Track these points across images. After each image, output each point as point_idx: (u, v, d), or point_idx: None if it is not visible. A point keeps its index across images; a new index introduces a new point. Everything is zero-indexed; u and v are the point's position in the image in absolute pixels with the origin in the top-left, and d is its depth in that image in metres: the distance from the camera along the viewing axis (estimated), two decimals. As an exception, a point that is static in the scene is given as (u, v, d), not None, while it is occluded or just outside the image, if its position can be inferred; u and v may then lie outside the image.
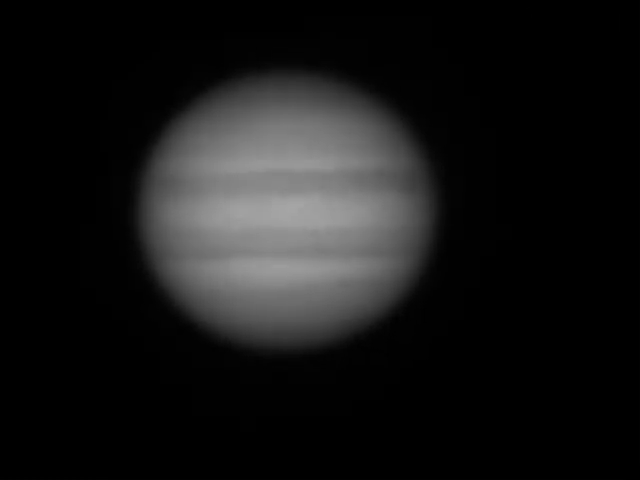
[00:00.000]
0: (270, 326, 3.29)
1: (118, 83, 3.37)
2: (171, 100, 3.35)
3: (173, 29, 3.37)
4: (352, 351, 3.36)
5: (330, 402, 3.37)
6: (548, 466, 3.38)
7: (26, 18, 3.38)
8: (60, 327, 3.38)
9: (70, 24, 3.38)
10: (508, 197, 3.38)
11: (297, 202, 3.22)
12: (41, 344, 3.39)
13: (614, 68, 3.37)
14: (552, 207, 3.38)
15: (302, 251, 3.22)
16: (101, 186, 3.37)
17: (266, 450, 3.36)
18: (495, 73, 3.37)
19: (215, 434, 3.38)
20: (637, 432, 3.37)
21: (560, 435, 3.39)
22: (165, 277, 3.34)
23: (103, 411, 3.38)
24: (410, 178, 3.31)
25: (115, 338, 3.37)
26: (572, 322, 3.38)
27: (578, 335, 3.39)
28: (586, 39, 3.37)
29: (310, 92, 3.31)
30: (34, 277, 3.38)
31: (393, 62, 3.36)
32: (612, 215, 3.39)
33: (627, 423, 3.38)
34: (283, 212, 3.22)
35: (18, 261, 3.38)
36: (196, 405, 3.38)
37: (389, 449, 3.37)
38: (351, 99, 3.33)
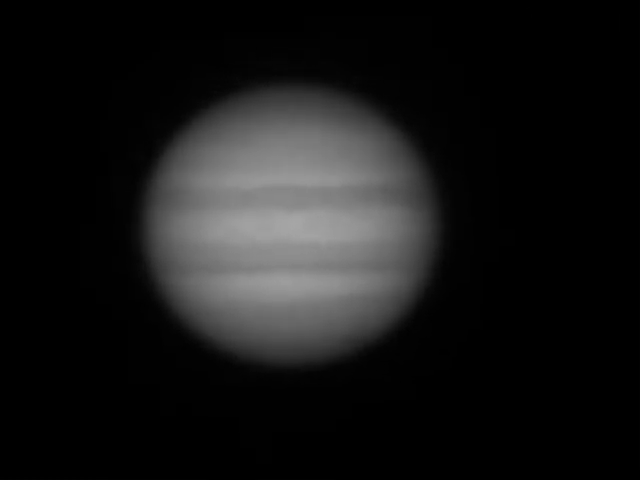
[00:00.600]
0: (273, 341, 3.29)
1: (123, 95, 3.37)
2: (176, 113, 3.35)
3: (179, 42, 3.37)
4: (356, 366, 3.35)
5: (333, 417, 3.36)
6: (550, 467, 3.38)
7: (30, 24, 3.38)
8: (63, 339, 3.37)
9: (76, 32, 3.38)
10: (512, 210, 3.37)
11: (301, 217, 3.22)
12: (45, 357, 3.38)
13: (614, 68, 3.37)
14: (557, 218, 3.37)
15: (306, 265, 3.22)
16: (105, 199, 3.36)
17: (267, 465, 3.36)
18: (499, 83, 3.37)
19: (216, 448, 3.38)
20: (637, 432, 3.37)
21: (562, 436, 3.39)
22: (168, 291, 3.34)
23: (104, 424, 3.37)
24: (413, 192, 3.31)
25: (117, 351, 3.36)
26: (577, 333, 3.38)
27: (583, 345, 3.38)
28: (586, 39, 3.37)
29: (315, 106, 3.32)
30: (38, 290, 3.37)
31: (395, 73, 3.36)
32: (614, 218, 3.38)
33: (627, 423, 3.38)
34: (287, 226, 3.22)
35: (23, 275, 3.38)
36: (198, 419, 3.37)
37: (393, 462, 3.37)
38: (355, 113, 3.33)
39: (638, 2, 3.37)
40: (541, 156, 3.39)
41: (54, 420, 3.40)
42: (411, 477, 3.37)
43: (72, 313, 3.37)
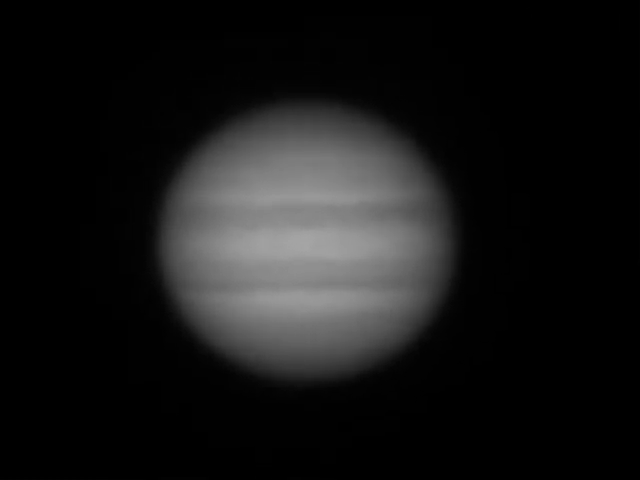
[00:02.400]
0: (288, 358, 3.29)
1: (140, 114, 3.37)
2: (192, 131, 3.36)
3: (197, 60, 3.38)
4: (370, 383, 3.34)
5: (348, 433, 3.36)
6: (551, 468, 3.38)
7: (40, 32, 3.39)
8: (77, 354, 3.38)
9: (88, 49, 3.39)
10: (526, 227, 3.36)
11: (315, 234, 3.22)
12: (62, 374, 3.39)
13: (614, 68, 3.37)
14: (572, 233, 3.36)
15: (320, 283, 3.22)
16: (122, 217, 3.36)
17: None
18: (513, 100, 3.36)
19: (232, 464, 3.38)
20: (637, 432, 3.37)
21: (564, 438, 3.39)
22: (184, 308, 3.35)
23: (120, 440, 3.38)
24: (427, 209, 3.31)
25: (133, 367, 3.37)
26: (592, 347, 3.37)
27: (597, 358, 3.38)
28: (586, 39, 3.37)
29: (329, 124, 3.32)
30: (56, 306, 3.38)
31: (410, 90, 3.35)
32: (625, 223, 3.37)
33: (627, 423, 3.37)
34: (301, 244, 3.22)
35: (42, 293, 3.38)
36: (214, 435, 3.37)
37: (407, 478, 3.36)
38: (368, 131, 3.32)
39: (638, 2, 3.37)
40: (553, 168, 3.38)
41: (70, 426, 3.41)
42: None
43: (90, 328, 3.38)
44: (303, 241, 3.22)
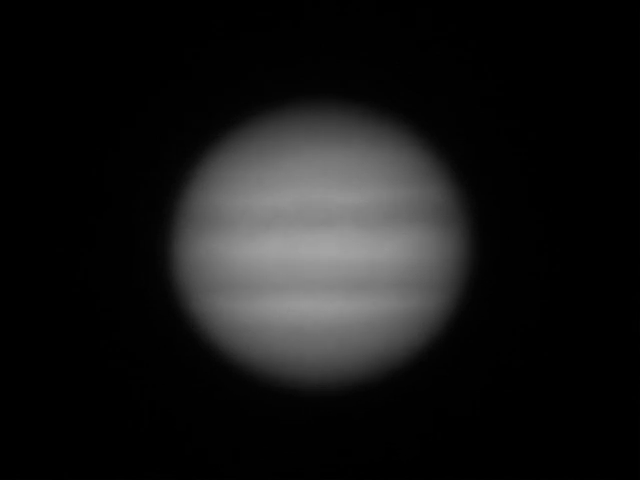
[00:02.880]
0: (302, 360, 3.28)
1: (155, 115, 3.35)
2: (206, 133, 3.34)
3: (210, 61, 3.36)
4: (387, 386, 3.33)
5: (365, 438, 3.35)
6: (550, 467, 3.39)
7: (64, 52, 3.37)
8: (88, 360, 3.37)
9: (111, 48, 3.37)
10: (543, 229, 3.36)
11: (330, 235, 3.21)
12: (72, 379, 3.38)
13: (615, 70, 3.38)
14: (591, 237, 3.37)
15: (335, 285, 3.21)
16: (135, 219, 3.35)
17: None
18: (530, 100, 3.36)
19: (244, 467, 3.37)
20: (637, 432, 3.38)
21: (563, 437, 3.40)
22: (198, 311, 3.33)
23: (129, 447, 3.37)
24: (444, 211, 3.30)
25: (145, 370, 3.36)
26: (608, 352, 3.38)
27: (609, 359, 3.39)
28: (586, 41, 3.38)
29: (345, 125, 3.30)
30: (66, 310, 3.37)
31: (426, 91, 3.35)
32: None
33: (627, 423, 3.39)
34: (316, 245, 3.21)
35: (52, 295, 3.37)
36: (225, 439, 3.36)
37: None
38: (385, 131, 3.31)
39: (638, 2, 3.37)
40: (576, 181, 3.38)
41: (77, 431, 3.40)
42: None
43: (99, 334, 3.37)
44: (319, 242, 3.21)
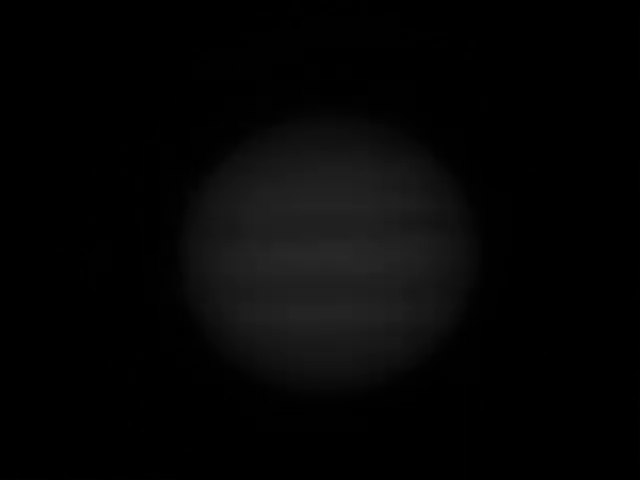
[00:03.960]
0: (313, 369, 3.30)
1: (170, 126, 3.36)
2: (222, 145, 3.35)
3: (221, 75, 3.37)
4: (392, 393, 3.33)
5: (366, 444, 3.35)
6: (549, 467, 3.39)
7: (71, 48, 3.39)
8: (101, 357, 3.38)
9: (120, 49, 3.38)
10: (551, 239, 3.36)
11: (345, 245, 3.22)
12: (83, 382, 3.39)
13: (615, 70, 3.37)
14: (596, 249, 3.36)
15: (344, 294, 3.22)
16: (152, 228, 3.37)
17: None
18: (531, 119, 3.36)
19: (243, 473, 3.38)
20: (637, 432, 3.38)
21: (563, 437, 3.39)
22: (209, 317, 3.35)
23: (137, 446, 3.39)
24: (454, 221, 3.30)
25: (155, 374, 3.37)
26: (608, 352, 3.38)
27: (610, 360, 3.38)
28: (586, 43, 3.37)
29: (361, 137, 3.31)
30: (82, 310, 3.38)
31: (431, 104, 3.34)
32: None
33: (627, 423, 3.38)
34: (331, 255, 3.22)
35: (69, 296, 3.38)
36: (224, 440, 3.37)
37: None
38: (397, 143, 3.32)
39: (638, 2, 3.36)
40: (583, 195, 3.38)
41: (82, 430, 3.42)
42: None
43: (116, 332, 3.39)
44: (332, 252, 3.22)
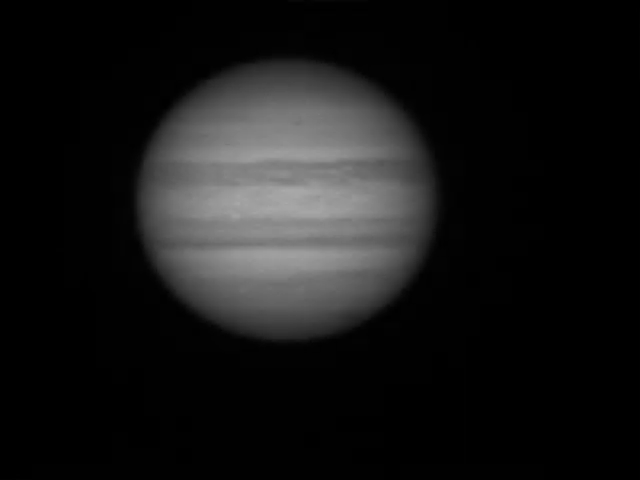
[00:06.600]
0: (268, 316, 3.25)
1: (120, 73, 3.36)
2: (172, 89, 3.35)
3: (172, 18, 3.39)
4: (351, 342, 3.33)
5: (328, 393, 3.34)
6: (549, 466, 3.35)
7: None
8: (56, 315, 3.34)
9: (69, 10, 3.38)
10: (508, 187, 3.38)
11: (297, 192, 3.21)
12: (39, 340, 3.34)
13: (614, 71, 3.42)
14: (552, 197, 3.38)
15: (301, 241, 3.20)
16: (100, 176, 3.35)
17: (263, 439, 3.32)
18: (498, 63, 3.40)
19: (213, 420, 3.34)
20: (637, 432, 3.35)
21: (562, 435, 3.36)
22: (163, 266, 3.32)
23: (96, 400, 3.33)
24: (410, 167, 3.31)
25: (113, 326, 3.36)
26: (574, 320, 3.37)
27: (584, 344, 3.37)
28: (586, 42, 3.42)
29: (312, 81, 3.32)
30: (34, 265, 3.34)
31: (393, 47, 3.39)
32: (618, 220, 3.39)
33: (627, 423, 3.35)
34: (283, 202, 3.20)
35: (15, 252, 3.34)
36: (190, 393, 3.33)
37: (392, 439, 3.33)
38: (352, 87, 3.34)
39: (638, 2, 3.43)
40: (542, 143, 3.41)
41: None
42: (409, 450, 3.33)
43: (66, 288, 3.35)
44: (284, 199, 3.20)
